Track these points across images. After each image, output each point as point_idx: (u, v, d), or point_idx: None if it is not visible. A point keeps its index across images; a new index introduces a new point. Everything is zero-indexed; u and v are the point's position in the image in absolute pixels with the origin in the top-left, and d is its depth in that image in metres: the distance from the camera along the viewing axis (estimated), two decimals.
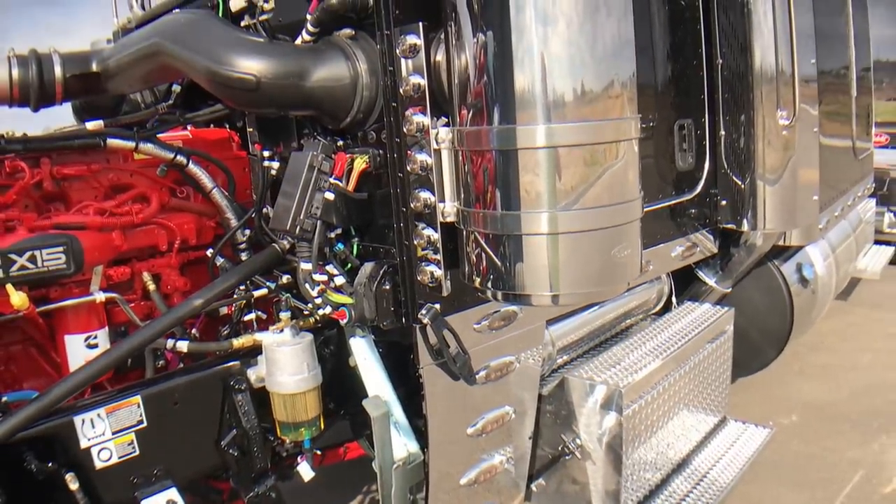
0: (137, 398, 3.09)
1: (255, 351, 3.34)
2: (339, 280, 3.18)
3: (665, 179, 4.18)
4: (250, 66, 2.89)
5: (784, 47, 4.25)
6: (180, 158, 3.56)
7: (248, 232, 3.65)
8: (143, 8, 5.07)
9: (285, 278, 3.56)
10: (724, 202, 4.53)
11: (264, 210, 3.59)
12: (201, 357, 3.45)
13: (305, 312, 3.42)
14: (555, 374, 3.85)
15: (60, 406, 2.95)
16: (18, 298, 2.99)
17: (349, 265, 3.27)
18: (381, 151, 3.11)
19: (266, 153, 3.64)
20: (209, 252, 3.69)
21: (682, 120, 4.24)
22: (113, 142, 3.47)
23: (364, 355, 3.36)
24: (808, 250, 5.56)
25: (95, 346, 3.37)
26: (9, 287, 2.99)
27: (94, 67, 3.49)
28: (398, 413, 3.31)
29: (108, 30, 5.27)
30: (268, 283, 3.54)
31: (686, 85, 4.31)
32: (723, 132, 4.45)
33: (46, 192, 3.43)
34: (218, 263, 3.65)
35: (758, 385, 6.69)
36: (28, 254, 3.04)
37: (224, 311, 3.71)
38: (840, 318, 9.16)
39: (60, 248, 3.11)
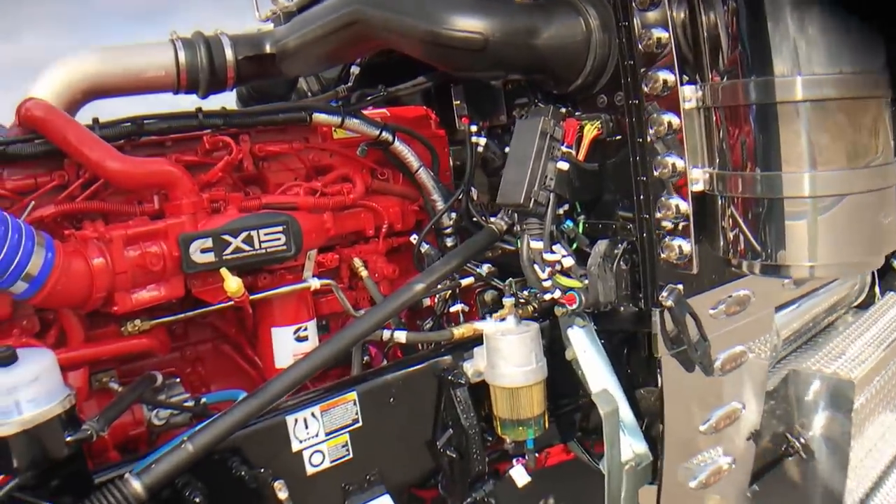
0: (353, 394, 2.78)
1: (466, 344, 3.03)
2: (568, 261, 2.88)
3: None
4: (476, 24, 2.65)
5: None
6: (386, 135, 3.27)
7: (453, 215, 3.38)
8: None
9: (486, 267, 3.29)
10: None
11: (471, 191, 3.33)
12: (411, 351, 3.17)
13: (522, 301, 3.12)
14: (777, 367, 3.54)
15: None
16: (235, 284, 2.71)
17: (575, 245, 2.98)
18: (612, 116, 2.83)
19: (473, 128, 3.38)
20: (413, 238, 3.41)
21: None
22: (319, 116, 3.17)
23: (584, 347, 3.05)
24: None
25: (305, 338, 3.07)
26: (223, 271, 2.72)
27: (268, 49, 3.21)
28: (624, 410, 3.02)
29: None
30: (477, 269, 3.25)
31: None
32: None
33: (246, 171, 3.16)
34: (423, 250, 3.38)
35: None
36: (244, 234, 2.78)
37: (426, 302, 3.43)
38: None
39: (280, 229, 2.86)
